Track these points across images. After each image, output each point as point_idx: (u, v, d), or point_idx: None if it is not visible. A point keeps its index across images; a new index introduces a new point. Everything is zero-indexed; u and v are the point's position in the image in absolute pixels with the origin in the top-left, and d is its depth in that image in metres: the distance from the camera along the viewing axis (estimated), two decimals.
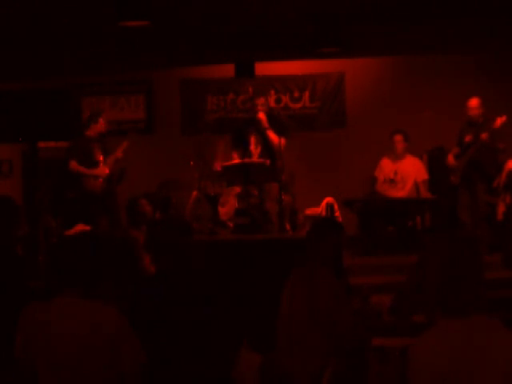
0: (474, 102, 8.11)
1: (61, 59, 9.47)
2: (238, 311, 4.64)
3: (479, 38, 9.12)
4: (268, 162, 7.74)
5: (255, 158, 7.90)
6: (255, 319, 4.84)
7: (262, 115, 7.87)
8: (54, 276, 3.07)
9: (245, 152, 7.98)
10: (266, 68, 10.16)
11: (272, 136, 7.82)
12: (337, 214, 8.91)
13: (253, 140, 7.96)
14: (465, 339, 2.36)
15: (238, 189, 8.33)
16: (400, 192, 8.53)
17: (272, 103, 10.58)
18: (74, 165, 8.23)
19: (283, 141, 7.85)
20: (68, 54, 9.19)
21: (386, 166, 8.68)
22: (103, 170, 8.28)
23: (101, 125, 8.33)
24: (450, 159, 8.32)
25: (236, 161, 7.92)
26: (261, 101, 8.00)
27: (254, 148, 7.95)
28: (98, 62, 9.88)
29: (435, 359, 2.35)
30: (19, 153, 11.14)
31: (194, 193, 8.92)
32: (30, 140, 10.68)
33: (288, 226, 8.26)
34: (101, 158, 8.32)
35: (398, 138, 8.57)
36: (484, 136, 7.86)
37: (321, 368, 3.83)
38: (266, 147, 7.89)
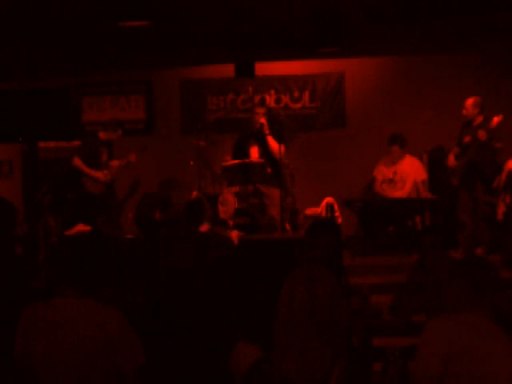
0: (467, 102, 8.11)
1: (61, 59, 9.47)
2: (238, 310, 4.64)
3: (479, 38, 9.12)
4: (264, 162, 7.78)
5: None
6: (254, 318, 4.84)
7: (264, 120, 8.01)
8: (54, 276, 3.07)
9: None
10: (266, 68, 10.16)
11: (272, 143, 7.86)
12: (337, 214, 8.92)
13: (252, 150, 8.00)
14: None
15: (236, 188, 8.36)
16: (399, 192, 8.53)
17: (272, 103, 10.58)
18: (77, 161, 8.30)
19: (283, 148, 7.89)
20: (68, 54, 9.19)
21: (385, 167, 8.68)
22: (105, 176, 8.34)
23: (117, 135, 8.57)
24: (451, 159, 8.32)
25: (236, 161, 7.94)
26: (262, 110, 8.16)
27: (254, 157, 8.01)
28: (98, 62, 9.88)
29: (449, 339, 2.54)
30: (19, 153, 11.14)
31: (194, 193, 8.93)
32: (30, 140, 10.68)
33: (288, 226, 8.27)
34: (103, 163, 8.38)
35: (395, 148, 8.61)
36: (481, 135, 7.85)
37: (321, 370, 3.83)
38: (266, 156, 7.94)
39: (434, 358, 2.52)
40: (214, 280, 4.61)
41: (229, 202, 8.60)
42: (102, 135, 8.43)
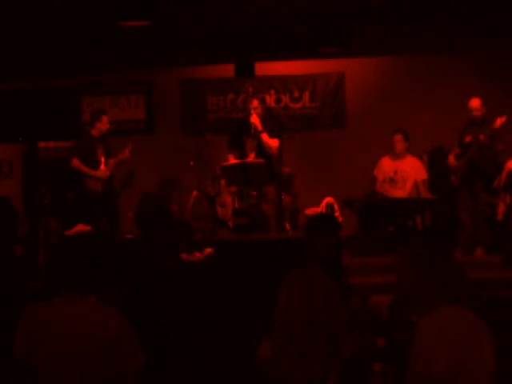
0: (475, 103, 8.08)
1: (61, 59, 9.47)
2: (238, 311, 4.64)
3: (479, 38, 9.12)
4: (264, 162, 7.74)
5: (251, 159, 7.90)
6: (254, 319, 4.83)
7: (254, 118, 7.80)
8: (53, 276, 3.07)
9: (241, 154, 7.98)
10: (266, 68, 10.16)
11: (266, 139, 7.79)
12: (337, 214, 8.92)
13: (248, 143, 7.95)
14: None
15: (233, 187, 8.32)
16: (400, 191, 8.52)
17: (272, 103, 10.59)
18: (76, 162, 8.24)
19: (278, 143, 7.84)
20: (68, 54, 9.19)
21: (386, 165, 8.67)
22: (104, 173, 8.29)
23: (104, 123, 8.35)
24: (451, 159, 8.32)
25: (235, 161, 7.92)
26: (254, 104, 7.88)
27: (249, 151, 7.94)
28: (98, 62, 9.88)
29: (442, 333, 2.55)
30: (19, 153, 11.14)
31: (194, 193, 8.93)
32: (30, 140, 10.68)
33: (288, 226, 8.27)
34: (102, 160, 8.33)
35: (398, 137, 8.55)
36: (483, 137, 7.86)
37: (321, 371, 3.82)
38: (261, 150, 7.87)
39: (442, 359, 2.49)
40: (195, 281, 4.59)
41: (227, 203, 8.59)
42: (94, 132, 8.37)
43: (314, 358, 3.83)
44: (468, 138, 8.14)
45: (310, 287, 3.90)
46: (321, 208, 9.03)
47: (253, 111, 7.81)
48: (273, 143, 7.83)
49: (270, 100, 10.60)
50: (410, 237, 7.68)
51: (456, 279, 2.68)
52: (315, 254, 4.02)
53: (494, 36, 8.93)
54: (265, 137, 7.78)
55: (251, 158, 7.90)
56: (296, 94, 10.68)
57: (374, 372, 3.87)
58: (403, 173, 8.56)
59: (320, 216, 5.90)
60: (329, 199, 9.02)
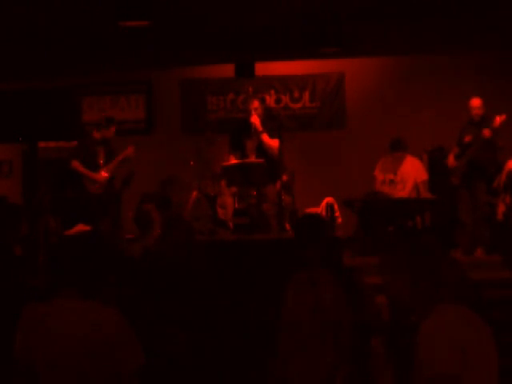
0: (476, 102, 8.09)
1: (61, 59, 9.48)
2: (238, 311, 4.64)
3: (479, 38, 9.13)
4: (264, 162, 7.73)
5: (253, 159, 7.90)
6: (254, 319, 4.83)
7: (255, 119, 7.78)
8: (53, 276, 3.06)
9: (242, 155, 7.97)
10: (266, 68, 10.16)
11: (267, 139, 7.78)
12: (337, 213, 8.91)
13: (248, 144, 7.94)
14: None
15: (234, 188, 8.31)
16: (400, 193, 8.52)
17: (272, 103, 10.58)
18: (75, 164, 8.24)
19: (278, 143, 7.82)
20: (68, 54, 9.20)
21: (386, 167, 8.68)
22: (102, 176, 8.27)
23: (110, 132, 8.35)
24: (451, 159, 8.32)
25: (235, 161, 7.92)
26: (254, 104, 7.87)
27: (250, 151, 7.93)
28: (98, 62, 9.89)
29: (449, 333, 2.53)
30: (19, 153, 11.14)
31: (194, 193, 8.92)
32: (30, 140, 10.68)
33: (288, 226, 8.26)
34: (101, 163, 8.33)
35: (399, 154, 8.53)
36: (486, 132, 7.84)
37: (325, 372, 3.82)
38: (262, 150, 7.86)
39: (451, 357, 2.49)
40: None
41: (228, 204, 8.59)
42: (96, 135, 8.37)
43: (321, 357, 3.83)
44: (467, 138, 8.15)
45: (316, 287, 3.90)
46: (321, 208, 9.02)
47: (253, 111, 7.80)
48: (273, 143, 7.83)
49: (270, 100, 10.60)
50: (389, 242, 7.68)
51: (449, 278, 2.67)
52: (310, 256, 4.02)
53: (494, 36, 8.94)
54: (265, 137, 7.78)
55: (252, 158, 7.89)
56: (296, 94, 10.68)
57: (376, 372, 3.87)
58: (403, 174, 8.56)
59: (306, 216, 5.78)
60: (329, 199, 9.01)
